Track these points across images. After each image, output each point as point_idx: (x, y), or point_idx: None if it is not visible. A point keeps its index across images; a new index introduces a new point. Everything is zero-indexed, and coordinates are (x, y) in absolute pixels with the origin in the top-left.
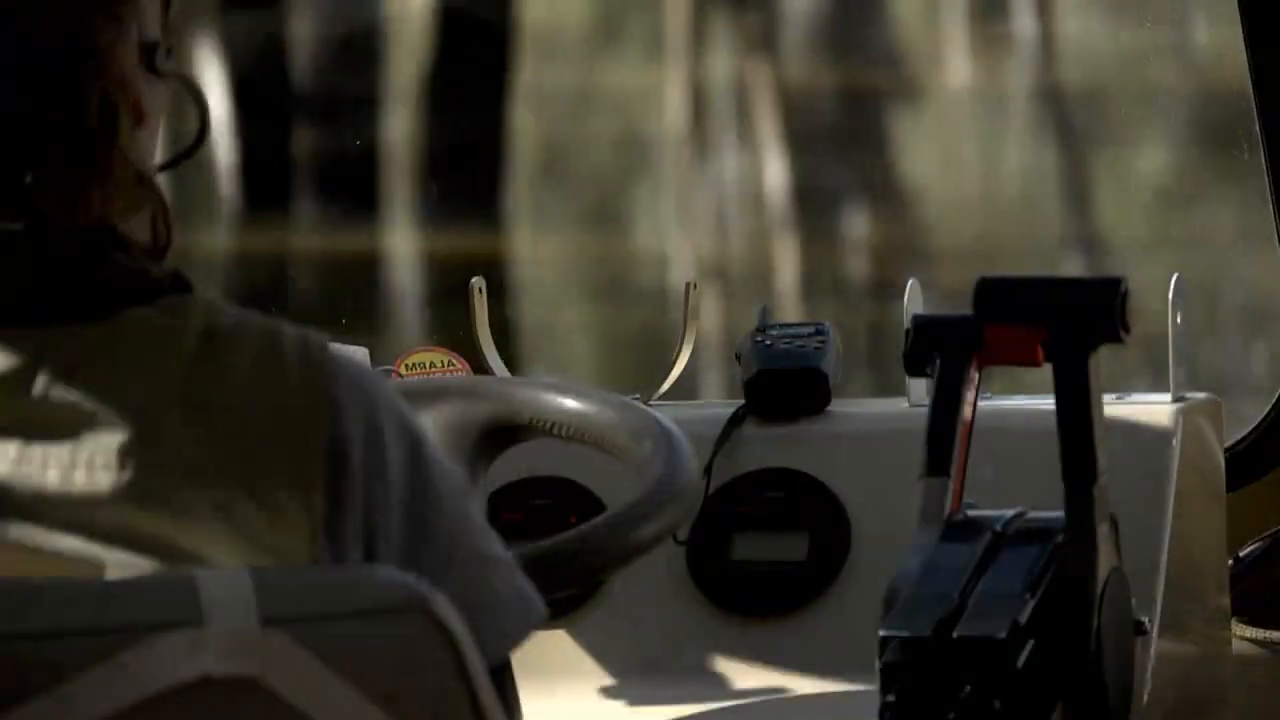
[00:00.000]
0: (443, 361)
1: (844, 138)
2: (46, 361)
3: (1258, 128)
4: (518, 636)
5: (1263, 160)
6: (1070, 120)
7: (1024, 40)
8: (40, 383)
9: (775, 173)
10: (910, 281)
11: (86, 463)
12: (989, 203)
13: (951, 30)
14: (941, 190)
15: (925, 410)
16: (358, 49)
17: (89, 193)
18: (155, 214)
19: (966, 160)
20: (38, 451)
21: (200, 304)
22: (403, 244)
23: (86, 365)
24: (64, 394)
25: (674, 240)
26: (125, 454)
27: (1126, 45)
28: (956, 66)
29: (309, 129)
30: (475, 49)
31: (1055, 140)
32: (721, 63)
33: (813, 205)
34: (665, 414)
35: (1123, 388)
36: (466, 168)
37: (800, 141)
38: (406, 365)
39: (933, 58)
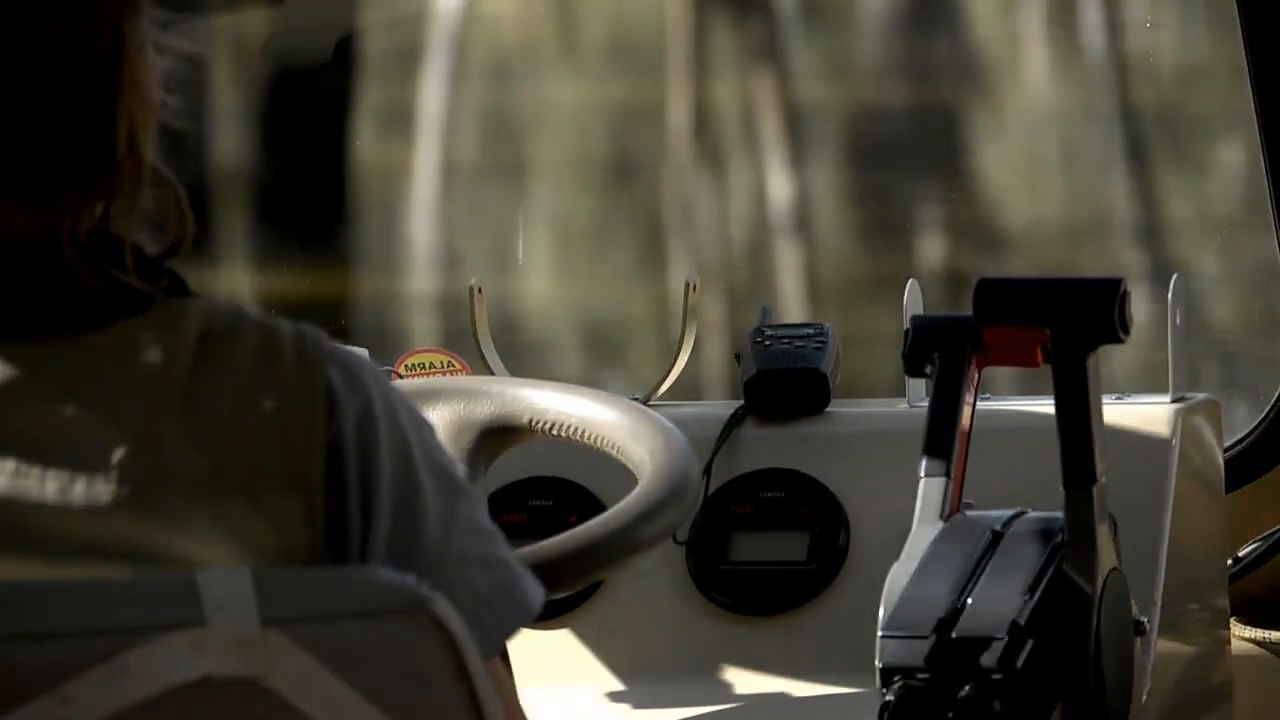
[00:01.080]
0: (442, 362)
1: (914, 153)
2: (43, 375)
3: (1257, 127)
4: (500, 636)
5: (1262, 164)
6: (1144, 140)
7: (1097, 54)
8: (37, 397)
9: (793, 186)
10: (910, 282)
11: (86, 475)
12: (1065, 223)
13: (1028, 45)
14: (1016, 208)
15: (924, 411)
16: (186, 79)
17: (107, 203)
18: (172, 208)
19: (1042, 177)
20: (36, 465)
21: (197, 308)
22: (236, 284)
23: (84, 378)
24: (62, 407)
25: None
26: (125, 465)
27: (1203, 61)
28: (1032, 81)
29: None
30: (311, 79)
31: (1130, 160)
32: (726, 81)
33: (883, 223)
34: (664, 414)
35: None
36: (305, 203)
37: (869, 158)
38: (406, 366)
39: (1007, 71)
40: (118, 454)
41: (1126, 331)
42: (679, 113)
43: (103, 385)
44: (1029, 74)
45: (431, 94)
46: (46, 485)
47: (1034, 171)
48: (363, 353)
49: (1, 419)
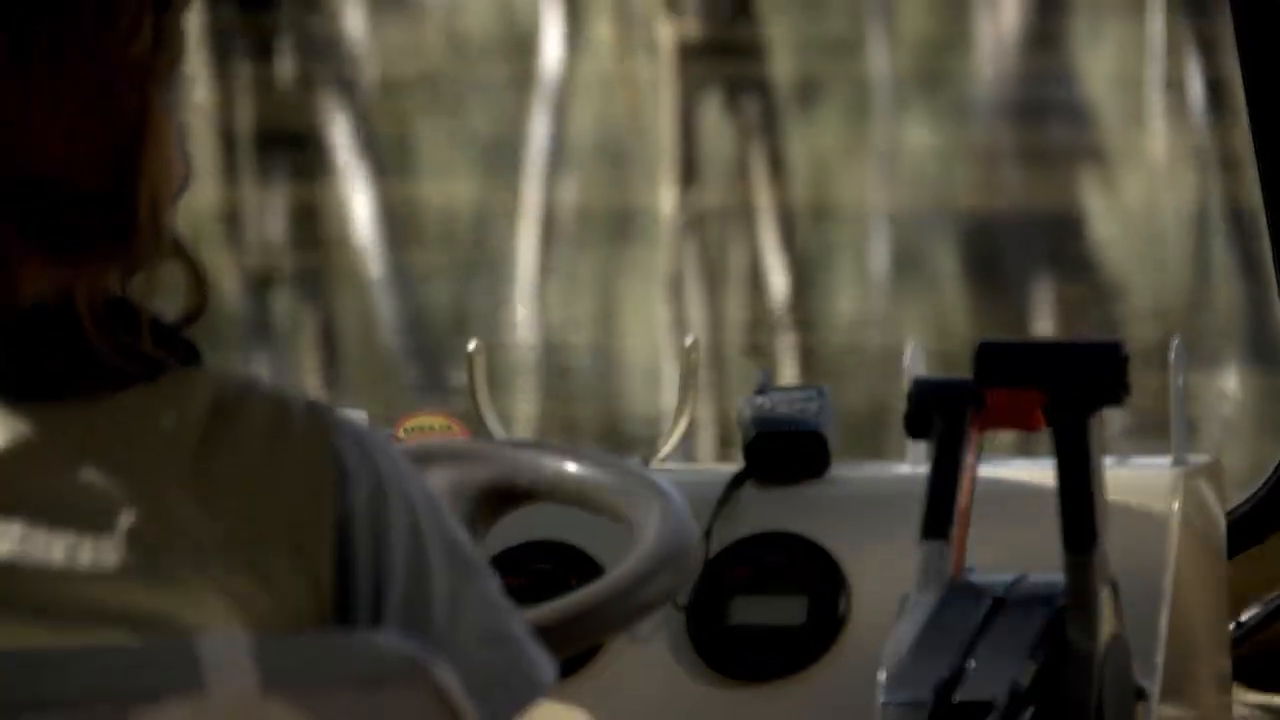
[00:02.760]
0: (441, 425)
1: (1029, 234)
2: (54, 438)
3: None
4: (510, 713)
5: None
6: (1251, 221)
7: (1206, 136)
8: (47, 459)
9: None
10: (911, 344)
11: (93, 540)
12: (1175, 300)
13: (1141, 129)
14: (1130, 287)
15: (925, 473)
16: None
17: (124, 269)
18: (190, 278)
19: (1154, 256)
20: (43, 529)
21: (208, 377)
22: None
23: (94, 442)
24: (71, 471)
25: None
26: (133, 531)
27: None
28: (1146, 164)
29: None
30: None
31: (1236, 241)
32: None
33: (996, 273)
34: (665, 477)
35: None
36: None
37: (983, 208)
38: (406, 429)
39: (1121, 154)
40: (126, 519)
41: (1127, 394)
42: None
43: (113, 450)
44: (1142, 155)
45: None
46: (53, 549)
47: (1147, 251)
48: (362, 416)
49: (10, 481)
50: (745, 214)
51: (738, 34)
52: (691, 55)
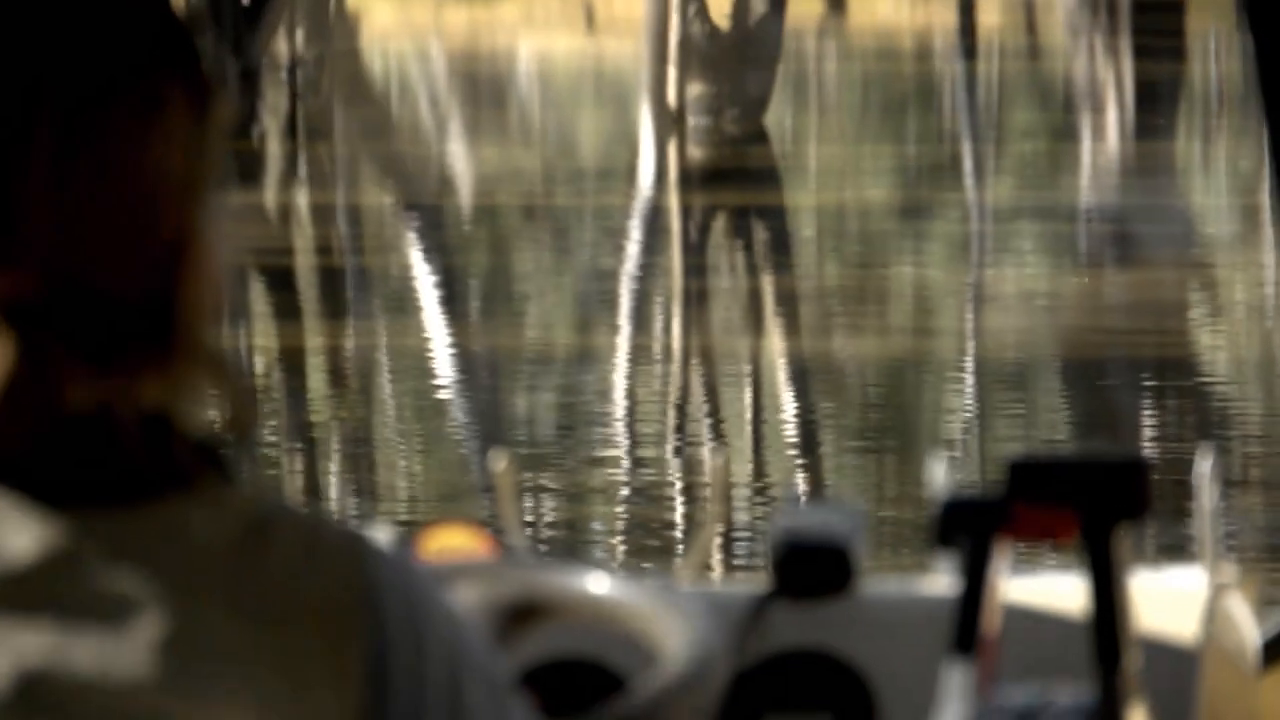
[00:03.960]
0: (467, 541)
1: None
2: (88, 546)
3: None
4: None
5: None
6: None
7: None
8: (81, 568)
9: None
10: (937, 457)
11: (126, 651)
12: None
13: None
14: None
15: (954, 589)
16: None
17: (164, 382)
18: (230, 393)
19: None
20: (75, 638)
21: (242, 493)
22: None
23: (129, 552)
24: (104, 580)
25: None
26: (166, 643)
27: None
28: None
29: None
30: None
31: None
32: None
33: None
34: (691, 593)
35: None
36: None
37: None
38: (431, 546)
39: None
40: (159, 630)
41: (1150, 510)
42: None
43: (147, 560)
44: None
45: None
46: (85, 658)
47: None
48: (386, 534)
49: (43, 588)
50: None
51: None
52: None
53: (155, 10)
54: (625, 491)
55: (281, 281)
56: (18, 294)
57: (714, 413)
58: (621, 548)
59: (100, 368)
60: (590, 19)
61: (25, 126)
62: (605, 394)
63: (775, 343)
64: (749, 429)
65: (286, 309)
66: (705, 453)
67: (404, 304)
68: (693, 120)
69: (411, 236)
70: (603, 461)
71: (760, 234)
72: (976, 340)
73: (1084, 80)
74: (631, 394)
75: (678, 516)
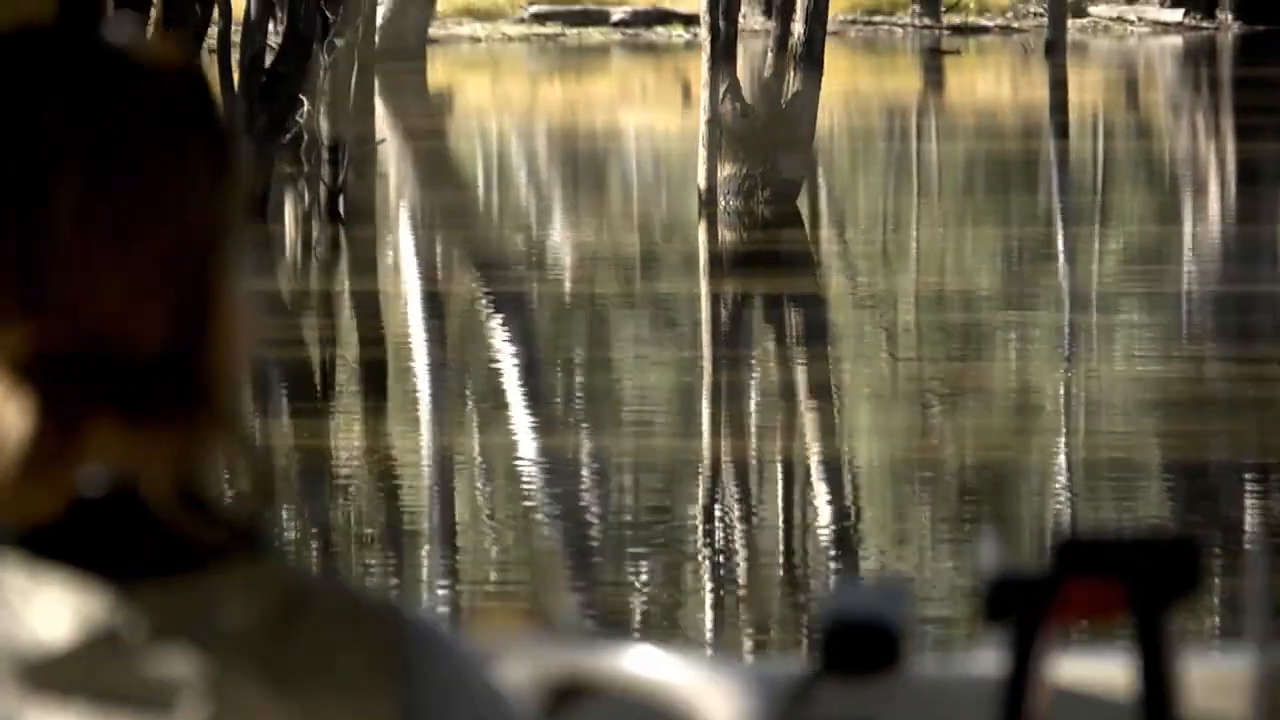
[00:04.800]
0: (516, 620)
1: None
2: (126, 626)
3: None
4: None
5: None
6: None
7: None
8: (116, 647)
9: None
10: (986, 534)
11: None
12: None
13: None
14: None
15: (1002, 667)
16: None
17: (192, 443)
18: (253, 466)
19: None
20: (107, 716)
21: (276, 566)
22: None
23: (165, 630)
24: (144, 663)
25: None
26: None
27: None
28: None
29: None
30: None
31: None
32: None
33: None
34: (737, 670)
35: None
36: None
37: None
38: (480, 625)
39: None
40: (196, 711)
41: (1201, 589)
42: None
43: (185, 641)
44: None
45: None
46: None
47: None
48: (435, 614)
49: (80, 672)
50: None
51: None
52: None
53: (175, 68)
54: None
55: (347, 374)
56: (40, 347)
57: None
58: (673, 626)
59: (124, 425)
60: (687, 95)
61: (48, 179)
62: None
63: (832, 443)
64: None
65: (362, 403)
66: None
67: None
68: (724, 202)
69: (490, 325)
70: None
71: (794, 321)
72: (1067, 439)
73: (1186, 160)
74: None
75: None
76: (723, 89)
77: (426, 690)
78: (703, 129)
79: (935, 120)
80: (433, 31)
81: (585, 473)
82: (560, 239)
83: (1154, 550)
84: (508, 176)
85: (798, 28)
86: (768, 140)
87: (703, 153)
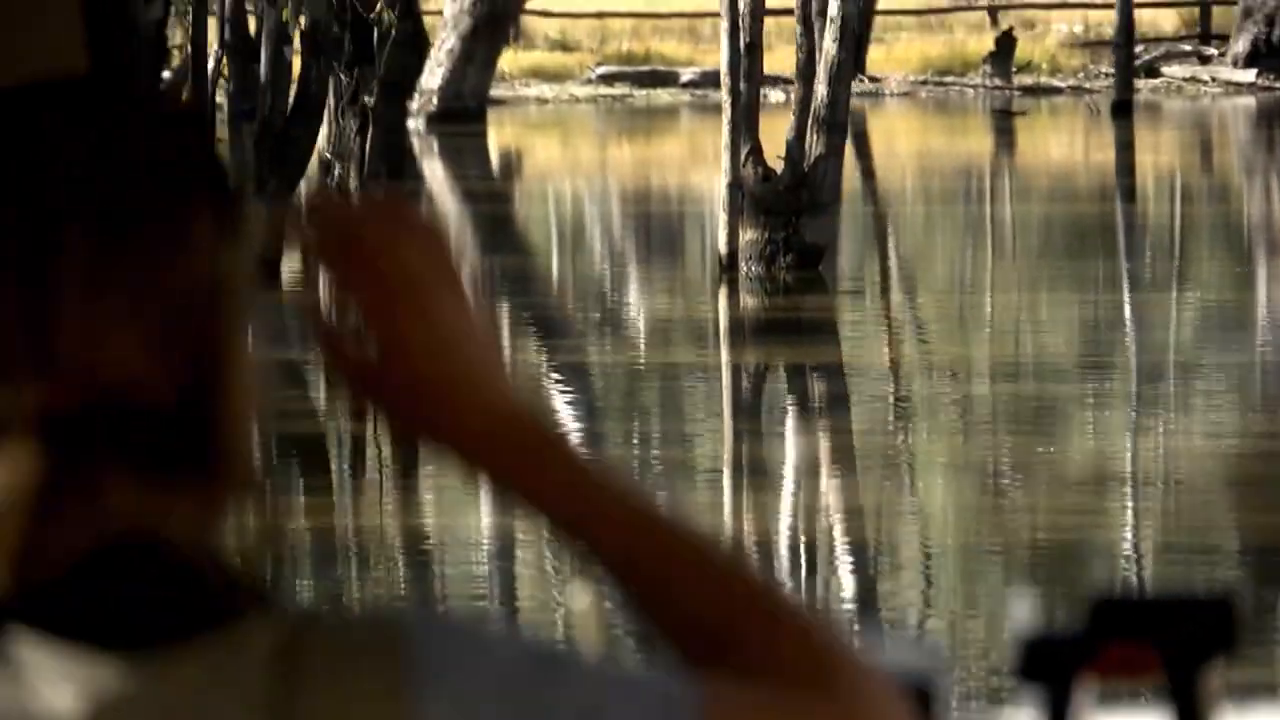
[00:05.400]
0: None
1: None
2: (136, 700)
3: None
4: None
5: None
6: None
7: None
8: (121, 713)
9: None
10: (1020, 595)
11: None
12: None
13: None
14: None
15: None
16: None
17: (205, 500)
18: (262, 515)
19: None
20: None
21: (282, 617)
22: None
23: (178, 704)
24: None
25: None
26: None
27: None
28: None
29: None
30: None
31: None
32: None
33: None
34: None
35: None
36: None
37: None
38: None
39: None
40: None
41: (1237, 649)
42: None
43: (195, 711)
44: None
45: None
46: None
47: None
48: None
49: None
50: None
51: None
52: None
53: (183, 128)
54: None
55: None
56: (50, 405)
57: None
58: None
59: (138, 482)
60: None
61: (57, 237)
62: None
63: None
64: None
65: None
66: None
67: None
68: (745, 267)
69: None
70: None
71: (815, 392)
72: (1135, 520)
73: (1260, 223)
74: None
75: None
76: (744, 152)
77: (450, 695)
78: (723, 192)
79: (992, 181)
80: (499, 92)
81: None
82: (590, 303)
83: (1189, 610)
84: (560, 239)
85: (820, 90)
86: (790, 204)
87: (723, 217)
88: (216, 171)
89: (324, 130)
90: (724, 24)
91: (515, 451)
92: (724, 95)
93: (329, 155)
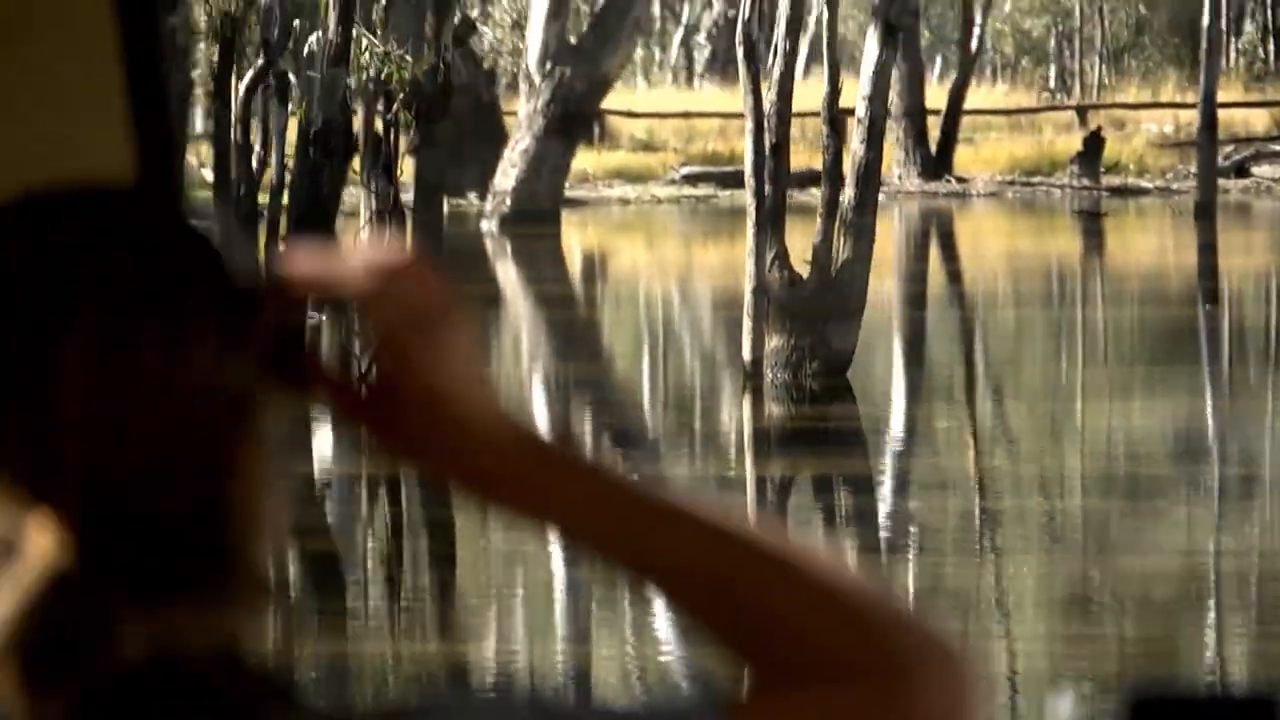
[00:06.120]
0: None
1: None
2: None
3: None
4: None
5: None
6: None
7: None
8: None
9: None
10: (1064, 692)
11: None
12: None
13: None
14: None
15: None
16: None
17: (220, 615)
18: (279, 623)
19: None
20: None
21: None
22: None
23: None
24: None
25: None
26: None
27: None
28: None
29: None
30: None
31: None
32: None
33: None
34: None
35: None
36: None
37: None
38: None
39: None
40: None
41: None
42: None
43: None
44: None
45: None
46: None
47: None
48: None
49: None
50: None
51: None
52: None
53: (187, 230)
54: None
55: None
56: (62, 522)
57: None
58: None
59: (148, 597)
60: None
61: (57, 339)
62: None
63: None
64: None
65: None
66: None
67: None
68: (770, 375)
69: None
70: None
71: (843, 506)
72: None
73: None
74: None
75: None
76: (770, 256)
77: None
78: (748, 298)
79: (1064, 285)
80: (581, 193)
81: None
82: (610, 412)
83: (1228, 709)
84: (622, 346)
85: (848, 192)
86: (817, 309)
87: (748, 323)
88: (220, 274)
89: (364, 234)
90: (748, 124)
91: (549, 476)
92: (748, 198)
93: None
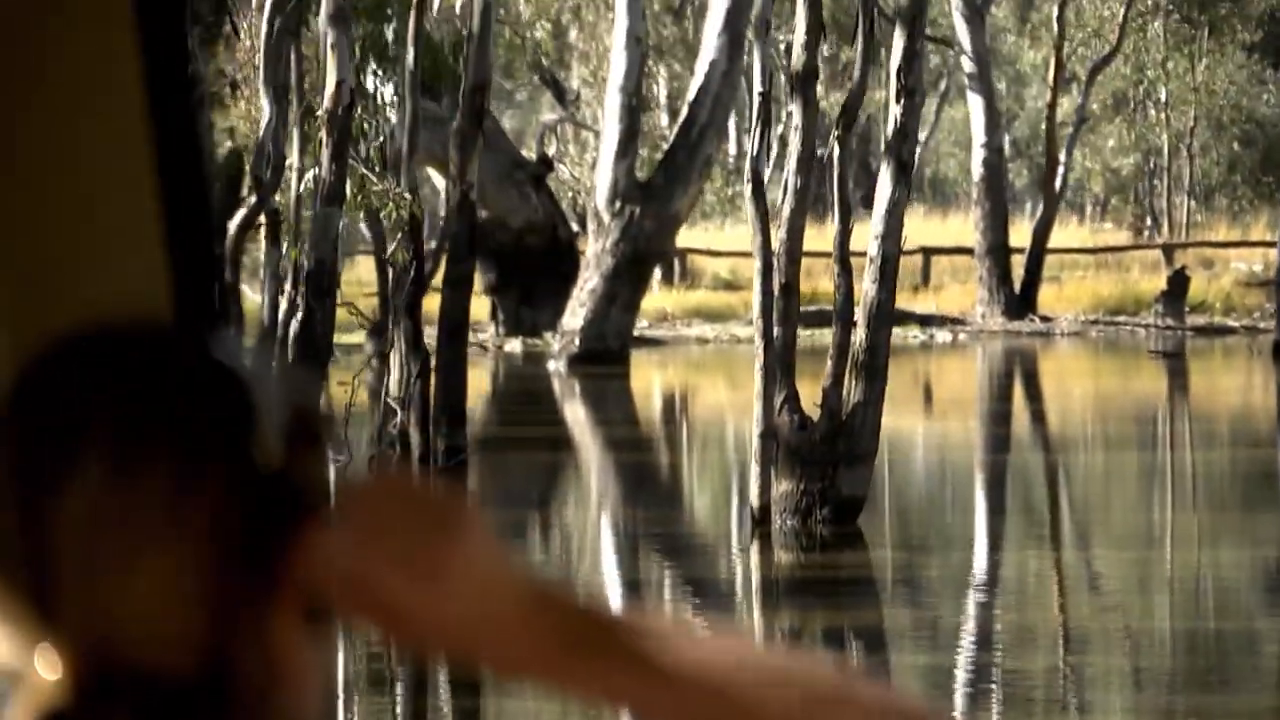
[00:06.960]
0: None
1: None
2: None
3: None
4: None
5: None
6: None
7: None
8: None
9: None
10: None
11: None
12: None
13: None
14: None
15: None
16: None
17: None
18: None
19: None
20: None
21: None
22: None
23: None
24: None
25: None
26: None
27: None
28: None
29: None
30: None
31: None
32: None
33: None
34: None
35: None
36: None
37: None
38: None
39: None
40: None
41: None
42: None
43: None
44: None
45: None
46: None
47: None
48: None
49: None
50: None
51: None
52: None
53: (213, 369)
54: None
55: None
56: (70, 672)
57: None
58: None
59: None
60: (928, 397)
61: (57, 490)
62: None
63: None
64: None
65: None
66: None
67: None
68: (779, 521)
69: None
70: None
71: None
72: None
73: None
74: None
75: None
76: (779, 399)
77: None
78: (755, 442)
79: (1115, 427)
80: (660, 333)
81: None
82: (621, 559)
83: None
84: (677, 494)
85: (860, 333)
86: (827, 454)
87: (755, 468)
88: (240, 430)
89: (394, 376)
90: (756, 263)
91: (592, 667)
92: (756, 339)
93: (392, 402)
